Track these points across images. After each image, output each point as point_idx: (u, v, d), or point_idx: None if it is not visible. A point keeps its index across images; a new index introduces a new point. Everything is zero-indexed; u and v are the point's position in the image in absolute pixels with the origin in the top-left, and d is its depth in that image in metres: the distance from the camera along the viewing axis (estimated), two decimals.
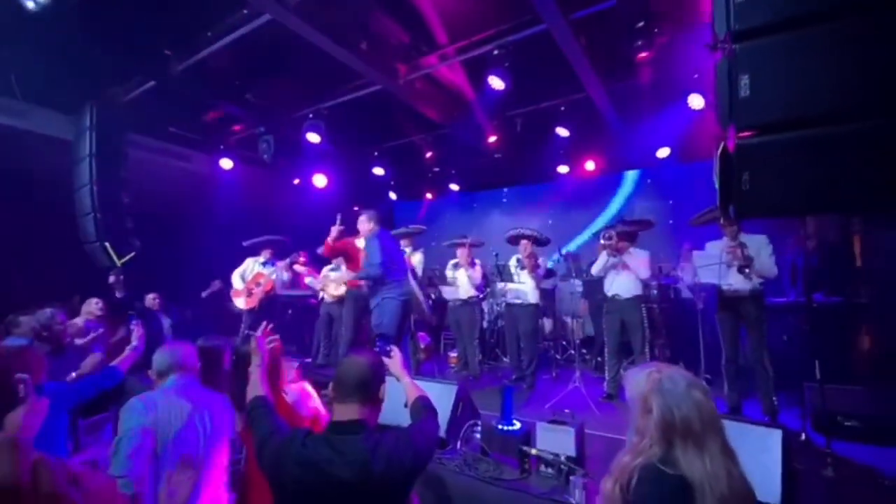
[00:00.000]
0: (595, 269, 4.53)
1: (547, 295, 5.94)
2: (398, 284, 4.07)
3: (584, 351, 6.13)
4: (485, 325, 6.21)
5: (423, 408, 1.72)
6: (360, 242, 4.72)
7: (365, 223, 4.14)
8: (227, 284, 5.73)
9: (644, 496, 1.18)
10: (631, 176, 7.39)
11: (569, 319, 6.18)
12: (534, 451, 2.32)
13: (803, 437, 2.88)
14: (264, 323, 2.02)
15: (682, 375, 1.35)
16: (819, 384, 2.86)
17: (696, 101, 4.67)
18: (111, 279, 4.60)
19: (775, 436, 2.00)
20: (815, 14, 1.53)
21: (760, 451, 1.96)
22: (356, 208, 4.94)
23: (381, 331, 3.91)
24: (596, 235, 7.17)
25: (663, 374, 1.36)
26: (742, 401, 3.73)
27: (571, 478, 2.12)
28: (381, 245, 4.04)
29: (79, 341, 3.53)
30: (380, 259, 3.90)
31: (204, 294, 5.93)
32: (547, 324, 6.30)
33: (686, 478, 1.17)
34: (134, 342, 2.42)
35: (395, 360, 1.94)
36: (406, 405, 1.81)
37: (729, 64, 1.66)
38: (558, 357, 6.02)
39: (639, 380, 1.38)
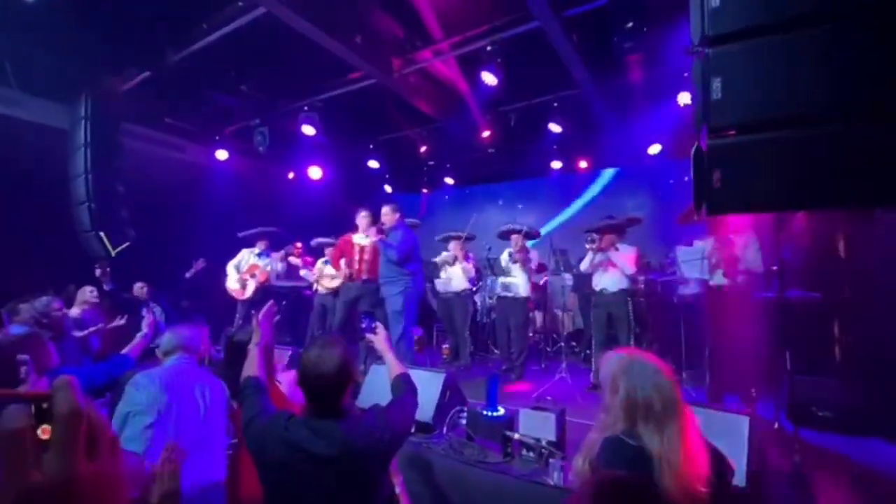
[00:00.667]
0: (583, 266, 4.63)
1: (538, 288, 6.04)
2: (419, 275, 4.40)
3: (573, 343, 6.26)
4: (477, 317, 6.32)
5: (403, 384, 1.80)
6: (357, 237, 4.85)
7: (389, 213, 4.38)
8: (213, 265, 5.78)
9: (608, 462, 1.28)
10: (620, 172, 7.48)
11: (559, 313, 6.29)
12: (516, 436, 2.42)
13: (776, 425, 3.00)
14: (270, 302, 2.01)
15: (651, 361, 1.45)
16: (790, 375, 2.98)
17: (685, 99, 4.76)
18: (97, 272, 4.63)
19: (743, 422, 2.11)
20: (782, 22, 1.61)
21: (728, 437, 2.07)
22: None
23: (404, 318, 4.17)
24: (567, 225, 7.36)
25: (634, 358, 1.46)
26: (724, 392, 3.86)
27: (551, 461, 2.23)
28: (405, 234, 4.28)
29: (77, 333, 3.57)
30: (398, 245, 4.15)
31: (188, 274, 5.91)
32: (538, 317, 6.41)
33: (646, 450, 1.27)
34: (144, 329, 2.47)
35: (380, 337, 2.00)
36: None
37: (703, 67, 1.74)
38: (548, 350, 6.14)
39: (611, 362, 1.49)
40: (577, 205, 7.87)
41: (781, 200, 1.77)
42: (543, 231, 7.58)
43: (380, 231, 4.23)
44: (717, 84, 1.71)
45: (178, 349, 1.92)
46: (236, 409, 2.04)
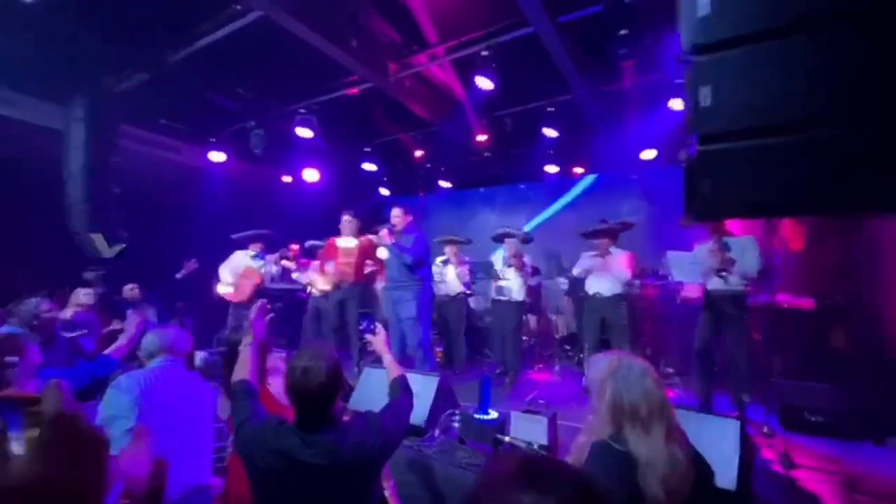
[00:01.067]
0: (576, 272, 4.64)
1: (532, 292, 6.05)
2: (429, 279, 4.42)
3: (567, 347, 6.27)
4: (472, 320, 6.33)
5: (400, 387, 1.79)
6: (341, 241, 4.86)
7: (401, 216, 4.34)
8: (207, 267, 5.75)
9: (595, 468, 1.29)
10: (613, 176, 7.51)
11: (553, 316, 6.31)
12: (507, 439, 2.42)
13: (767, 429, 3.02)
14: (260, 301, 1.98)
15: (639, 365, 1.46)
16: (781, 380, 3.00)
17: (678, 105, 4.79)
18: (88, 276, 4.60)
19: (733, 426, 2.12)
20: (773, 30, 1.63)
21: (718, 441, 2.08)
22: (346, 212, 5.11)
23: (417, 321, 4.16)
24: (560, 227, 7.37)
25: (622, 361, 1.47)
26: (715, 396, 3.87)
27: None
28: (418, 238, 4.26)
29: (66, 335, 3.54)
30: (412, 249, 4.12)
31: (178, 276, 5.86)
32: (532, 320, 6.42)
33: (632, 454, 1.28)
34: (130, 330, 2.44)
35: (379, 338, 2.00)
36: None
37: (692, 75, 1.76)
38: (545, 354, 6.15)
39: (600, 365, 1.50)
40: (568, 206, 7.93)
41: (772, 207, 1.78)
42: (528, 227, 7.64)
43: (391, 234, 4.16)
44: (706, 91, 1.73)
45: (163, 351, 1.91)
46: (230, 412, 2.03)
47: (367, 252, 4.90)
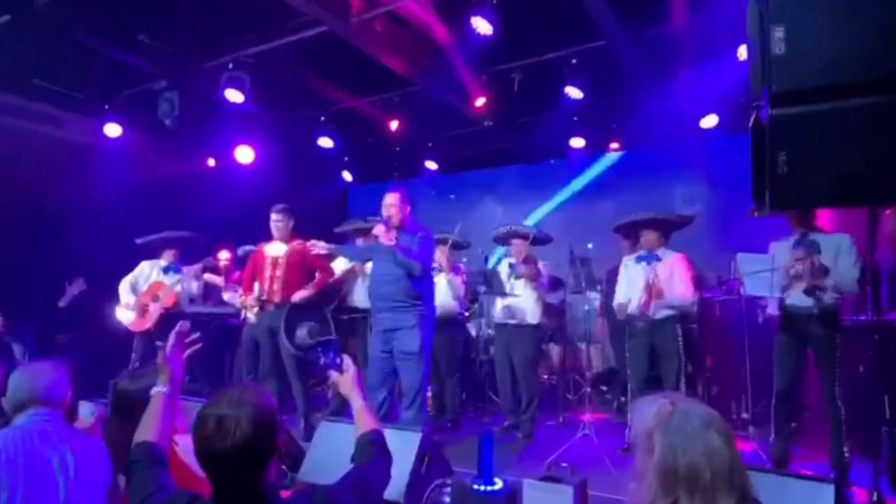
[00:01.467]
0: (619, 308, 4.67)
1: (553, 312, 6.06)
2: (432, 298, 4.36)
3: (602, 388, 6.29)
4: (471, 353, 6.32)
5: (373, 446, 1.77)
6: (271, 249, 4.93)
7: (398, 204, 4.16)
8: (101, 285, 5.69)
9: None
10: (661, 151, 7.59)
11: (582, 345, 6.32)
12: None
13: (875, 496, 3.04)
14: (180, 323, 1.97)
15: (700, 412, 1.44)
16: (892, 428, 3.02)
17: (745, 54, 4.85)
18: None
19: (826, 492, 2.13)
20: None
21: None
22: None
23: (421, 357, 4.07)
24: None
25: (677, 407, 1.45)
26: (801, 451, 3.90)
27: None
28: (425, 238, 4.20)
29: None
30: (420, 253, 4.05)
31: (61, 302, 5.78)
32: (553, 351, 6.43)
33: None
34: None
35: (346, 377, 1.97)
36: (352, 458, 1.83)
37: (760, 10, 1.78)
38: (569, 396, 6.17)
39: (646, 412, 1.48)
40: (599, 193, 8.03)
41: (871, 192, 1.79)
42: (533, 219, 7.67)
43: (388, 231, 4.03)
44: (779, 34, 1.73)
45: (34, 402, 1.88)
46: (125, 488, 2.00)
47: (301, 262, 4.90)
